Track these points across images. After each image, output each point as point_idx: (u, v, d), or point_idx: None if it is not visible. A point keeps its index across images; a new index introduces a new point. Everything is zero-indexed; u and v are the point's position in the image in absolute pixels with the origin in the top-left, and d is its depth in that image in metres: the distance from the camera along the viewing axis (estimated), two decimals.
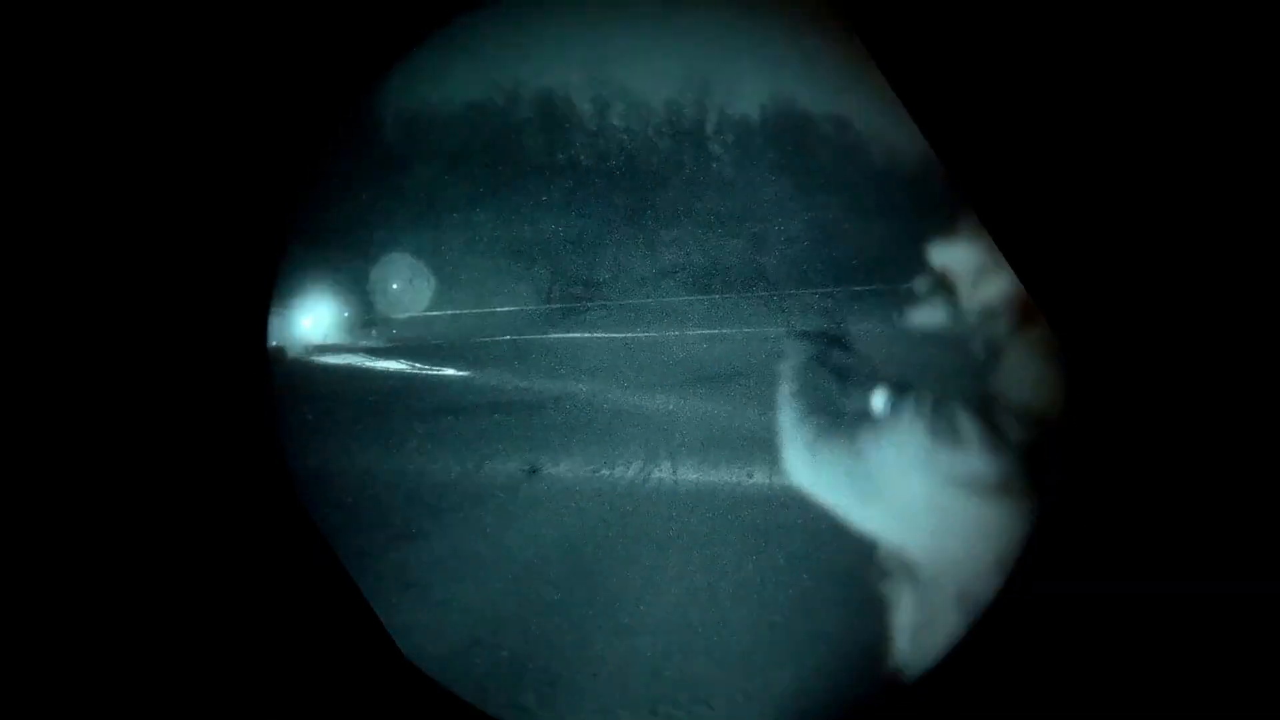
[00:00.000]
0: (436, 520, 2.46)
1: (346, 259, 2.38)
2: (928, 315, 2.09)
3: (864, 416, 2.11)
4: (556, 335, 2.47)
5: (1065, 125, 1.74)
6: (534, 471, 2.55)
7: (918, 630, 2.08)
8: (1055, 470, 1.92)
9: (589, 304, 2.40)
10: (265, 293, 2.01)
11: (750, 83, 2.39)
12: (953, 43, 1.78)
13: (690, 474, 2.34)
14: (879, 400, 2.10)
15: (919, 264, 2.06)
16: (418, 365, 2.73)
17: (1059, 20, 1.73)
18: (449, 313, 2.50)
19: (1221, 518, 1.76)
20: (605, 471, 2.49)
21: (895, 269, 2.16)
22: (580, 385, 2.49)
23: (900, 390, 2.09)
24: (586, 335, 2.46)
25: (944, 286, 2.07)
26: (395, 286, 2.47)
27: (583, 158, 2.42)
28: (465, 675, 2.18)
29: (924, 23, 1.80)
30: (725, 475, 2.32)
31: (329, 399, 2.43)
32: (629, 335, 2.40)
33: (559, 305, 2.46)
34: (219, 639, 1.86)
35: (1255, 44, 1.68)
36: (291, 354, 2.39)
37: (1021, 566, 1.94)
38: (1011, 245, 1.83)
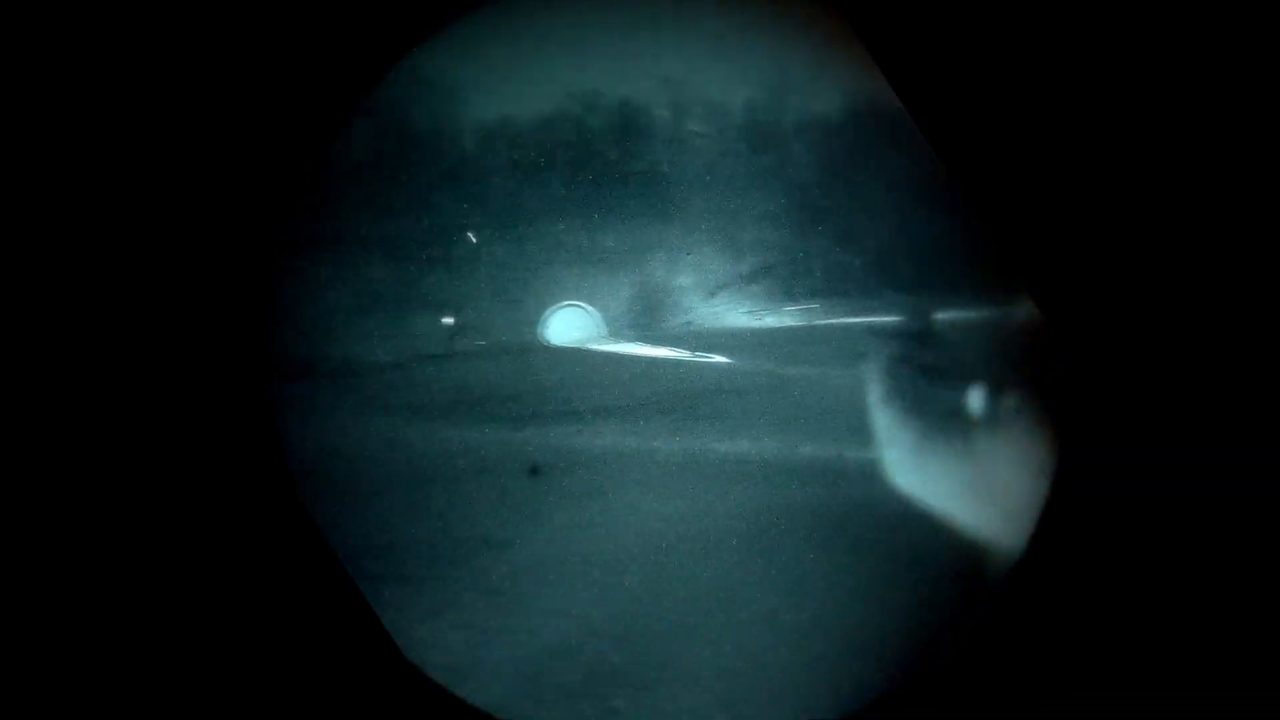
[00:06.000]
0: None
1: (343, 272, 2.26)
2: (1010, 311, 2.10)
3: (962, 415, 2.13)
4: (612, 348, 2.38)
5: (1066, 124, 1.80)
6: (535, 472, 2.50)
7: None
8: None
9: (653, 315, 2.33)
10: (262, 307, 2.03)
11: (805, 83, 2.37)
12: (953, 41, 1.82)
13: (777, 475, 2.30)
14: (976, 399, 2.12)
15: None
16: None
17: (1056, 19, 1.79)
18: (445, 325, 2.40)
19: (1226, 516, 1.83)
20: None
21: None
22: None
23: (997, 388, 2.11)
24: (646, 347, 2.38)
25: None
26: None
27: (614, 159, 2.34)
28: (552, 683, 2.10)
29: (924, 22, 1.83)
30: (817, 474, 2.28)
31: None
32: (686, 350, 2.34)
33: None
34: (223, 641, 1.88)
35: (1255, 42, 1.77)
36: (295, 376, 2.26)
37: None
38: (1016, 244, 1.89)
